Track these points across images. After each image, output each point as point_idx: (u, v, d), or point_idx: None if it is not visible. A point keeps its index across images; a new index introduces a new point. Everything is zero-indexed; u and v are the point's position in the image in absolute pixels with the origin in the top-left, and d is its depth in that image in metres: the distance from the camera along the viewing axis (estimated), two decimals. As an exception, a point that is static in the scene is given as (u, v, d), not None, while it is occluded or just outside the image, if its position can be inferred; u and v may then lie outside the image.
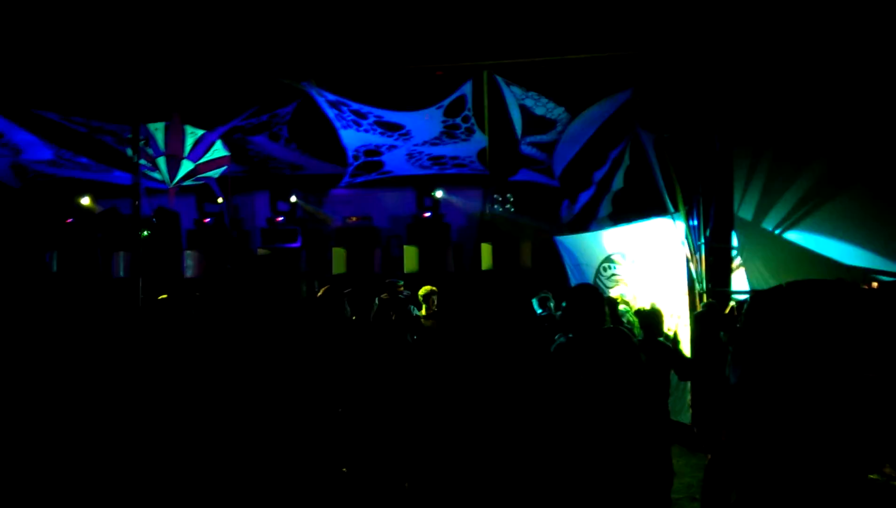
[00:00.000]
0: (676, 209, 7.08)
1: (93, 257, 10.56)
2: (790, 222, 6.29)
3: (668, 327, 6.19)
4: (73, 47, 7.39)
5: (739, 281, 6.76)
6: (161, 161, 9.11)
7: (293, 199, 11.00)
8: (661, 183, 7.44)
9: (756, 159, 6.34)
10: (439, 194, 10.64)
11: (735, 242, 6.75)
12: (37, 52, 7.18)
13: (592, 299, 3.38)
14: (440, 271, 10.22)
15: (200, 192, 11.07)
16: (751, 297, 4.19)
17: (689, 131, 6.98)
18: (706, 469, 4.37)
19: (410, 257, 10.32)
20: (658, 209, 7.51)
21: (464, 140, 8.82)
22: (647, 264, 7.48)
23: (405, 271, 10.23)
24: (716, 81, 6.50)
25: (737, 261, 6.85)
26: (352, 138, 8.99)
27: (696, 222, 6.87)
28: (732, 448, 3.49)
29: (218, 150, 9.33)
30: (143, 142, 8.42)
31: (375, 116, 8.31)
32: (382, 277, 10.07)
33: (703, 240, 6.78)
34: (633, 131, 8.28)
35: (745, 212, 6.52)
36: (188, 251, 10.64)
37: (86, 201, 10.77)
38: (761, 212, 6.41)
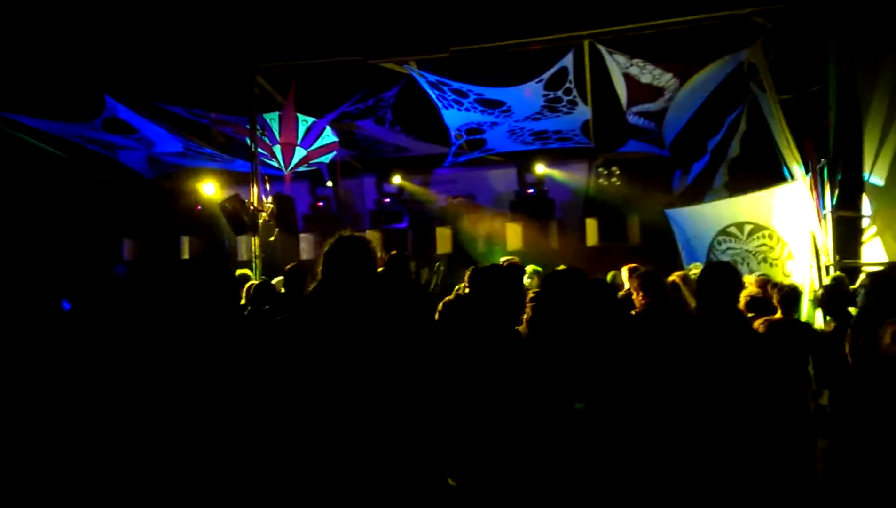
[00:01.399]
0: (799, 177, 6.59)
1: (220, 242, 11.37)
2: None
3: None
4: (193, 43, 7.94)
5: (872, 252, 6.20)
6: (277, 149, 9.61)
7: (398, 180, 11.25)
8: (781, 149, 6.93)
9: (890, 118, 5.74)
10: (542, 169, 10.47)
11: (866, 210, 6.18)
12: (158, 48, 7.76)
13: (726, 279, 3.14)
14: (544, 248, 10.12)
15: (313, 177, 11.59)
16: (881, 271, 3.85)
17: (813, 93, 6.43)
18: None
19: (514, 234, 10.27)
20: (778, 177, 7.02)
21: (567, 113, 8.61)
22: (766, 237, 7.03)
23: (508, 248, 10.22)
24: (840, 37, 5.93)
25: (869, 231, 6.28)
26: (454, 118, 9.04)
27: (821, 190, 6.37)
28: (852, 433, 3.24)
29: (328, 136, 9.71)
30: (259, 132, 8.93)
31: (476, 95, 8.29)
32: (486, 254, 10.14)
33: (829, 209, 6.27)
34: (751, 95, 7.75)
35: (876, 177, 5.94)
36: (303, 234, 11.19)
37: (212, 189, 11.57)
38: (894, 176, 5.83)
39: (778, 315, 4.52)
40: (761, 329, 4.29)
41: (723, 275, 3.13)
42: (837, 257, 6.27)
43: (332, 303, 2.57)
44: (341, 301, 2.56)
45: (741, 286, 3.25)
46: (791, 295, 4.59)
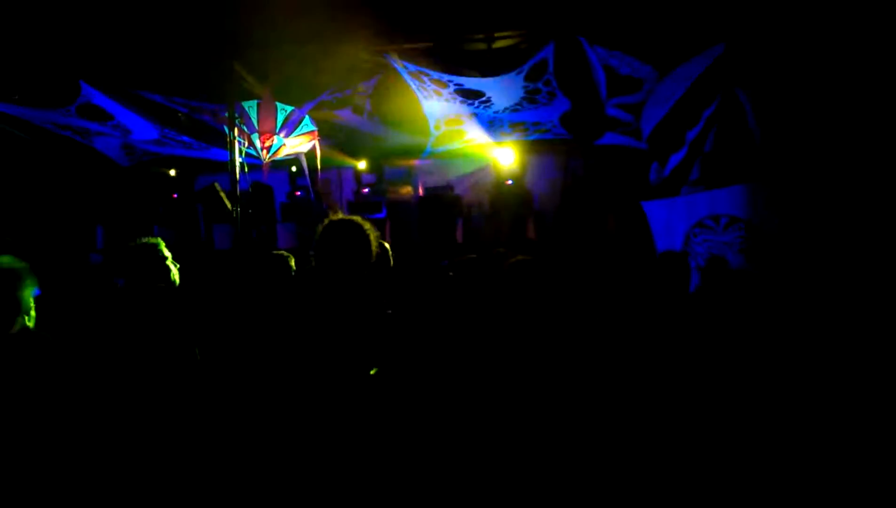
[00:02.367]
0: (775, 169, 6.72)
1: (196, 231, 11.25)
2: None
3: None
4: (170, 30, 7.81)
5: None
6: (255, 137, 9.51)
7: (364, 166, 11.21)
8: (759, 142, 7.05)
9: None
10: (518, 161, 10.52)
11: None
12: (138, 34, 7.63)
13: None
14: (522, 239, 10.18)
15: (291, 166, 11.50)
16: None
17: (791, 87, 6.55)
18: None
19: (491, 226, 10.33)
20: (755, 170, 7.14)
21: (545, 105, 8.66)
22: (741, 229, 7.16)
23: (484, 239, 10.27)
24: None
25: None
26: (433, 108, 9.04)
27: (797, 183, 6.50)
28: None
29: (306, 125, 9.63)
30: (238, 120, 8.82)
31: (456, 85, 8.29)
32: (465, 246, 10.17)
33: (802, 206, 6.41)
34: (730, 89, 7.85)
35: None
36: (281, 224, 11.11)
37: (171, 171, 11.44)
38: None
39: None
40: None
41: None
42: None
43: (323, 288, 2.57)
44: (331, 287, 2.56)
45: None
46: None
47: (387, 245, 4.40)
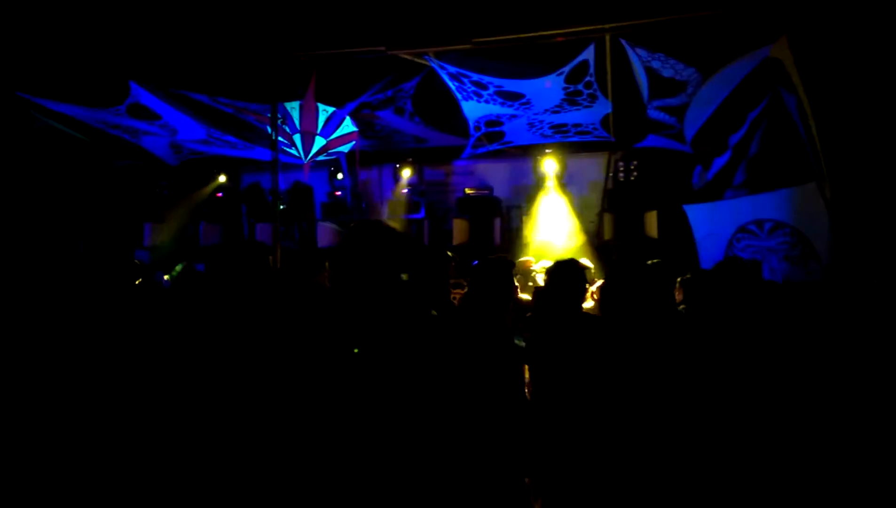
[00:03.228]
0: (822, 174, 6.53)
1: (239, 228, 11.50)
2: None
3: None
4: (217, 32, 8.03)
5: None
6: (297, 138, 9.68)
7: (407, 172, 11.27)
8: (806, 146, 6.86)
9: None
10: (559, 163, 10.42)
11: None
12: (183, 34, 7.86)
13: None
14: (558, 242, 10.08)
15: (332, 166, 11.65)
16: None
17: (839, 89, 6.34)
18: None
19: (528, 227, 10.26)
20: (801, 175, 6.95)
21: (587, 107, 8.57)
22: (787, 235, 6.97)
23: (524, 241, 10.21)
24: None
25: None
26: (473, 109, 9.04)
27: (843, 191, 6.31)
28: None
29: (347, 126, 9.76)
30: (280, 120, 9.00)
31: (496, 87, 8.28)
32: (502, 247, 10.13)
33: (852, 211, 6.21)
34: (775, 91, 7.66)
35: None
36: (321, 223, 11.26)
37: (222, 177, 11.72)
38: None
39: None
40: None
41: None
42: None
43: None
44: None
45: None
46: None
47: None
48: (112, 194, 11.52)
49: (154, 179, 11.80)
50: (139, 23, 7.97)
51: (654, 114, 8.52)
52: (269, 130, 8.78)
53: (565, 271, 3.46)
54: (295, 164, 10.04)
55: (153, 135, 10.17)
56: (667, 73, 7.51)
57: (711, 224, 8.14)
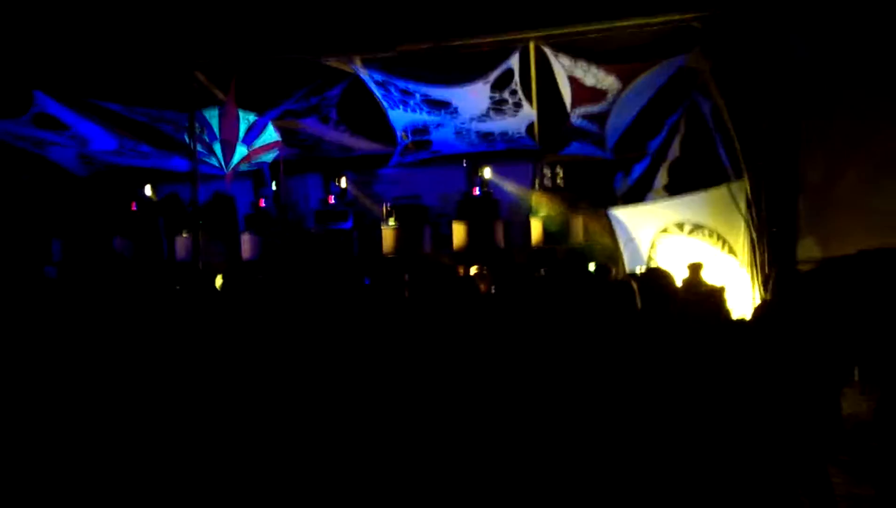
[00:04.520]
0: (738, 177, 6.84)
1: (157, 242, 10.96)
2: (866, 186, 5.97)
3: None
4: (129, 38, 7.64)
5: (807, 251, 6.48)
6: (217, 147, 9.33)
7: (344, 182, 11.12)
8: (722, 150, 7.18)
9: (825, 120, 6.02)
10: (488, 171, 10.53)
11: (802, 208, 6.46)
12: (95, 43, 7.44)
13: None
14: (490, 248, 10.16)
15: (256, 176, 11.32)
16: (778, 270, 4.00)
17: (751, 96, 6.68)
18: None
19: (459, 234, 10.29)
20: (718, 177, 7.27)
21: (512, 115, 8.68)
22: (706, 235, 7.26)
23: (454, 247, 10.23)
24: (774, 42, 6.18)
25: (804, 231, 6.57)
26: (400, 118, 8.99)
27: (758, 191, 6.64)
28: None
29: (270, 134, 9.49)
30: (199, 129, 8.65)
31: (423, 95, 8.27)
32: (432, 254, 10.11)
33: (764, 208, 6.54)
34: (690, 98, 8.00)
35: (812, 178, 6.23)
36: (245, 235, 10.90)
37: (147, 188, 11.17)
38: (831, 177, 6.11)
39: None
40: None
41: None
42: (772, 256, 6.53)
43: None
44: None
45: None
46: None
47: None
48: (19, 209, 10.77)
49: (63, 192, 11.11)
50: (44, 31, 7.50)
51: (577, 122, 8.73)
52: (187, 139, 8.43)
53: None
54: (216, 174, 9.67)
55: (61, 146, 9.58)
56: (589, 80, 7.70)
57: (635, 227, 8.39)
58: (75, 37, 7.53)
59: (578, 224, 10.31)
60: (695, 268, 5.54)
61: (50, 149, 9.64)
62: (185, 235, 10.67)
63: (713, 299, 4.14)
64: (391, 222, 10.53)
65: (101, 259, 10.61)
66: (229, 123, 8.95)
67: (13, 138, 9.09)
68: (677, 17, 6.64)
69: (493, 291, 5.78)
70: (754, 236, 6.51)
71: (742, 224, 6.61)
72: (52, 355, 3.13)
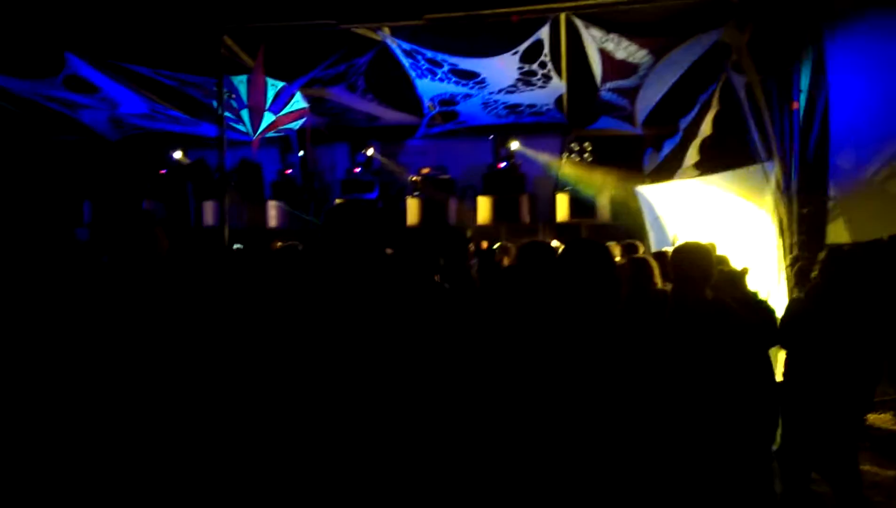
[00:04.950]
0: (769, 157, 6.67)
1: (185, 207, 11.12)
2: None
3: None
4: (160, 1, 7.67)
5: (837, 234, 6.32)
6: (244, 113, 9.37)
7: (370, 151, 11.10)
8: (753, 129, 6.99)
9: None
10: (515, 144, 10.42)
11: (832, 191, 6.28)
12: (126, 4, 7.48)
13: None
14: (514, 222, 10.11)
15: (283, 144, 11.37)
16: (830, 251, 3.89)
17: (785, 73, 6.47)
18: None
19: (484, 208, 10.25)
20: (749, 157, 7.09)
21: (541, 87, 8.55)
22: (735, 215, 7.11)
23: (478, 222, 10.19)
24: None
25: (834, 213, 6.39)
26: (427, 88, 8.92)
27: (789, 170, 6.47)
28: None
29: (297, 101, 9.49)
30: (227, 94, 8.68)
31: (450, 65, 8.17)
32: (457, 227, 10.09)
33: (794, 190, 6.37)
34: (724, 74, 7.78)
35: (844, 160, 6.03)
36: (271, 201, 10.99)
37: (178, 152, 11.30)
38: (863, 159, 5.92)
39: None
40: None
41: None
42: (802, 239, 6.38)
43: None
44: None
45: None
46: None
47: None
48: (50, 170, 10.98)
49: (94, 154, 11.29)
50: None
51: (607, 96, 8.56)
52: (215, 104, 8.48)
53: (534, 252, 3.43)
54: (243, 140, 9.73)
55: (92, 109, 9.71)
56: (620, 54, 7.54)
57: (662, 205, 8.25)
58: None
59: (605, 201, 10.20)
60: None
61: (81, 112, 9.77)
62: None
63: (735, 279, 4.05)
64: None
65: (131, 221, 10.78)
66: (257, 90, 8.97)
67: (44, 99, 9.22)
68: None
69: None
70: (784, 217, 6.36)
71: (772, 205, 6.45)
72: (88, 319, 3.14)
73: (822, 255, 3.89)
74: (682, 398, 2.73)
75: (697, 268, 2.97)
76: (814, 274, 3.90)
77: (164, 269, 3.14)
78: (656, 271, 4.20)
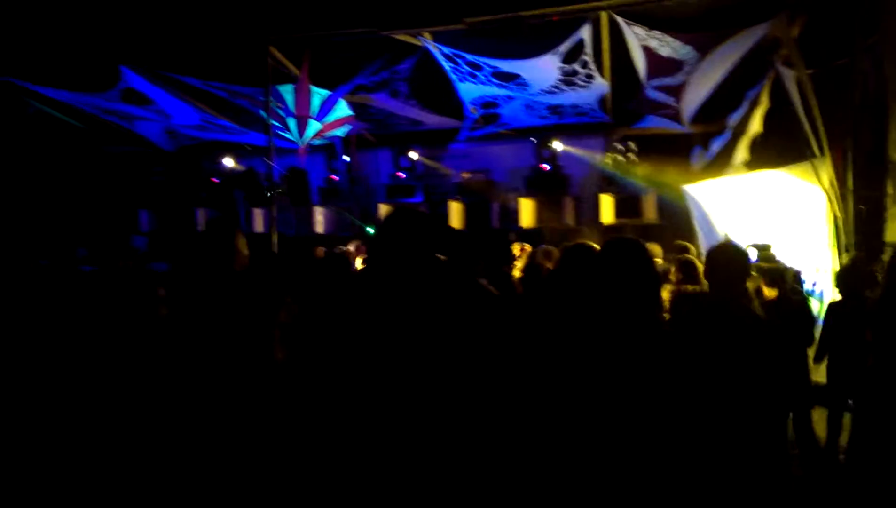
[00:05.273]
0: (821, 153, 6.44)
1: (235, 214, 11.43)
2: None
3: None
4: (208, 15, 7.94)
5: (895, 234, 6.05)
6: (291, 121, 9.58)
7: (413, 155, 11.19)
8: (805, 124, 6.76)
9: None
10: (557, 144, 10.34)
11: (890, 188, 6.02)
12: (176, 18, 7.76)
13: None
14: (558, 225, 10.03)
15: (329, 150, 11.57)
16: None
17: (836, 67, 6.24)
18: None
19: (527, 210, 10.19)
20: (800, 154, 6.86)
21: (583, 87, 8.45)
22: (788, 215, 6.89)
23: (522, 224, 10.14)
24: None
25: (892, 211, 6.12)
26: (469, 91, 8.93)
27: (844, 168, 6.23)
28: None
29: (342, 109, 9.66)
30: (274, 104, 8.91)
31: (491, 67, 8.17)
32: (500, 230, 10.08)
33: (851, 186, 6.14)
34: (773, 69, 7.55)
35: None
36: (318, 207, 11.20)
37: (229, 161, 11.62)
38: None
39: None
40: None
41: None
42: (858, 237, 6.14)
43: None
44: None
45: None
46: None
47: None
48: (107, 181, 11.47)
49: (150, 165, 11.74)
50: (129, 7, 7.88)
51: (652, 94, 8.41)
52: (264, 114, 8.70)
53: (577, 255, 3.40)
54: (290, 148, 9.95)
55: (147, 120, 10.09)
56: (664, 51, 7.39)
57: (711, 205, 8.05)
58: (157, 12, 7.89)
59: (652, 201, 10.01)
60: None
61: (137, 123, 10.17)
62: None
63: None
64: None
65: (186, 230, 11.17)
66: (303, 99, 9.17)
67: (102, 112, 9.63)
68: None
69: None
70: (839, 216, 6.12)
71: (825, 203, 6.22)
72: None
73: (886, 256, 3.76)
74: (703, 404, 2.66)
75: (727, 271, 2.89)
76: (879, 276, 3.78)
77: (245, 280, 3.14)
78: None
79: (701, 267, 4.21)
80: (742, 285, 2.94)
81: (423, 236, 2.39)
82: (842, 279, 4.71)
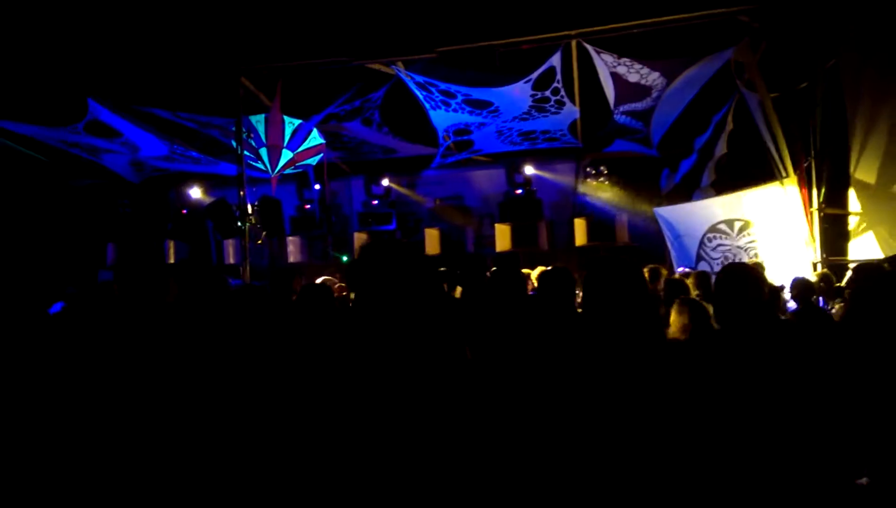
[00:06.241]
0: (786, 174, 6.63)
1: (206, 245, 11.26)
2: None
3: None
4: (178, 46, 7.88)
5: (859, 250, 6.23)
6: (263, 151, 9.52)
7: (386, 182, 11.21)
8: (770, 146, 6.97)
9: (875, 114, 5.78)
10: (529, 169, 10.46)
11: (853, 206, 6.22)
12: (145, 50, 7.69)
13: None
14: (533, 249, 10.10)
15: (300, 179, 11.52)
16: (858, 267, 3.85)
17: (800, 91, 6.47)
18: None
19: (502, 235, 10.26)
20: (766, 175, 7.06)
21: (554, 113, 8.59)
22: (756, 234, 7.06)
23: (497, 249, 10.19)
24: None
25: (856, 228, 6.32)
26: (442, 118, 9.00)
27: (809, 187, 6.42)
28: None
29: (314, 138, 9.63)
30: (246, 134, 8.84)
31: (464, 95, 8.25)
32: (474, 254, 10.11)
33: (815, 206, 6.32)
34: (737, 93, 7.78)
35: (862, 174, 5.98)
36: (291, 237, 11.10)
37: (197, 192, 11.47)
38: (885, 173, 5.86)
39: None
40: None
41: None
42: (824, 255, 6.31)
43: None
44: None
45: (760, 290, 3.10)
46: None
47: None
48: (72, 215, 11.20)
49: (116, 197, 11.52)
50: (96, 40, 7.78)
51: (621, 119, 8.58)
52: (234, 144, 8.63)
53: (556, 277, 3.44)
54: (261, 178, 9.87)
55: (113, 152, 9.91)
56: (633, 77, 7.56)
57: (682, 226, 8.21)
58: (125, 44, 7.81)
59: (623, 224, 10.17)
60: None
61: (103, 156, 9.99)
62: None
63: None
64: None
65: (154, 262, 10.93)
66: (275, 128, 9.13)
67: (68, 146, 9.44)
68: (723, 10, 6.47)
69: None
70: (808, 233, 6.30)
71: (793, 222, 6.40)
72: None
73: (848, 272, 3.85)
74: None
75: (740, 290, 2.89)
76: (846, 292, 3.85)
77: (168, 316, 3.17)
78: (692, 293, 4.18)
79: (691, 286, 4.27)
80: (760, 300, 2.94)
81: (408, 268, 2.35)
82: (796, 291, 4.82)
